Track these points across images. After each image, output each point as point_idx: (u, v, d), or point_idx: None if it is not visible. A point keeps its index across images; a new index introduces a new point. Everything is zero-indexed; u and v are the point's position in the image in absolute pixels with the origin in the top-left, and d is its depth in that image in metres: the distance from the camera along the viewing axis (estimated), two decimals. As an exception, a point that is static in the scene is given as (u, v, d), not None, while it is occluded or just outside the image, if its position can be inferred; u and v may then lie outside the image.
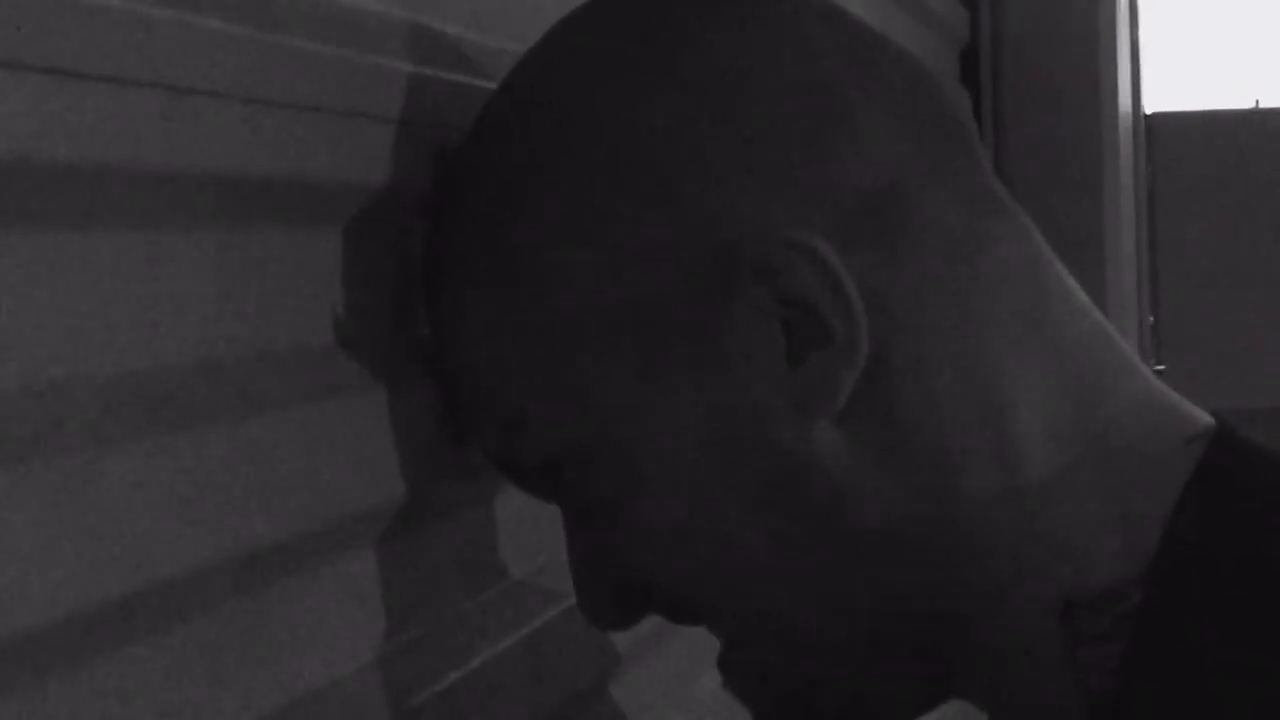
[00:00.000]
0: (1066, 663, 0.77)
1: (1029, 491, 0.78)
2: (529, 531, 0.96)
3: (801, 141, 0.78)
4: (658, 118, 0.78)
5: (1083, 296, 0.83)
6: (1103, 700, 0.77)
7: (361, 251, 0.79)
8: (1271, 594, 0.76)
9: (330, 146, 0.74)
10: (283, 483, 0.71)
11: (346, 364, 0.78)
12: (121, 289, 0.63)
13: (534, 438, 0.81)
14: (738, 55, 0.79)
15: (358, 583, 0.80)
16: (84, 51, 0.58)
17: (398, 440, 0.81)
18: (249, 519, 0.69)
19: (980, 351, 0.79)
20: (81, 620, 0.59)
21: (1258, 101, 2.90)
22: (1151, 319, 2.75)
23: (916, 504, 0.78)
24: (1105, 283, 2.22)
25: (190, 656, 0.66)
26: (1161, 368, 2.69)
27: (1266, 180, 2.73)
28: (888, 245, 0.78)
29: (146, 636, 0.63)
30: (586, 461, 0.80)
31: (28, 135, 0.55)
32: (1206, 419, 0.81)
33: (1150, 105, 2.80)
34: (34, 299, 0.58)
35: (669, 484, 0.79)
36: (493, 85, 0.86)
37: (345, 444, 0.76)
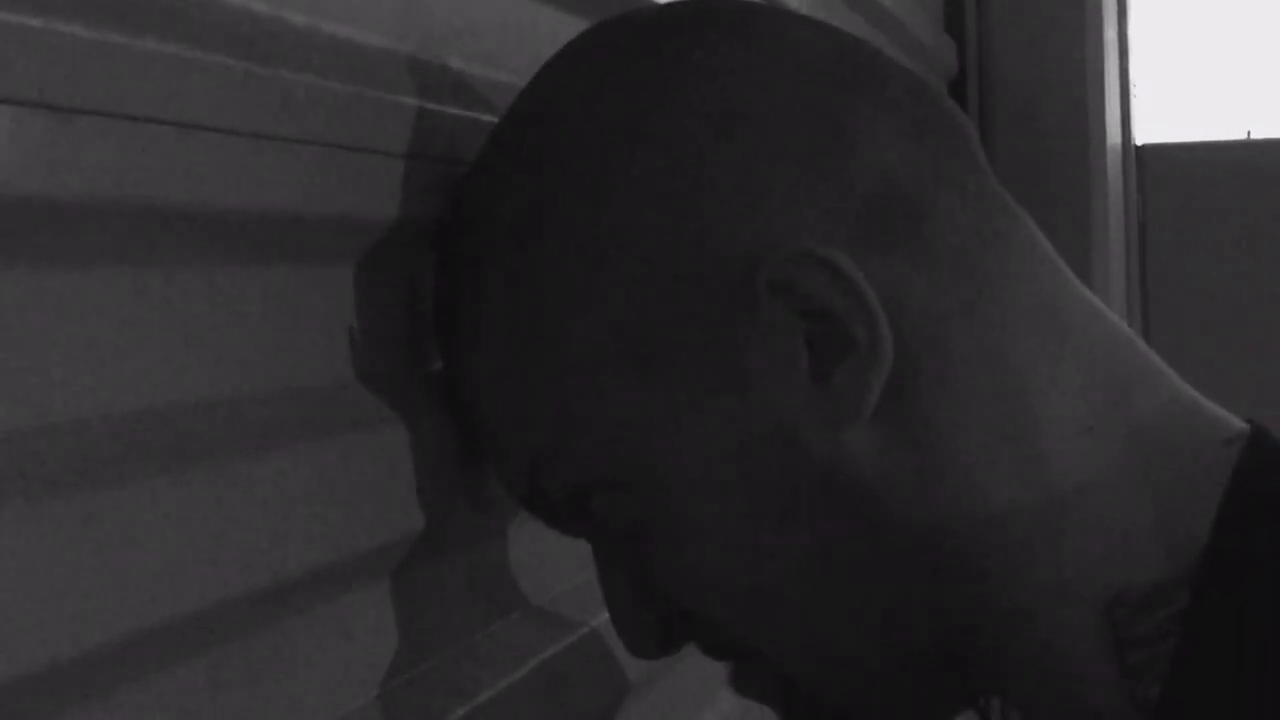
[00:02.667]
0: (1114, 665, 0.77)
1: (1065, 489, 0.77)
2: (542, 561, 0.96)
3: (807, 154, 0.78)
4: (664, 142, 0.78)
5: (1097, 301, 0.83)
6: (1152, 702, 0.76)
7: (372, 286, 0.80)
8: None
9: (339, 181, 0.75)
10: (299, 517, 0.71)
11: (360, 399, 0.78)
12: (135, 326, 0.63)
13: (562, 470, 0.81)
14: (738, 74, 0.79)
15: (373, 615, 0.80)
16: (91, 89, 0.58)
17: (411, 474, 0.81)
18: (266, 553, 0.69)
19: (1005, 347, 0.78)
20: (101, 654, 0.59)
21: (1249, 132, 2.90)
22: (1128, 328, 2.72)
23: (949, 508, 0.77)
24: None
25: (208, 690, 0.66)
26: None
27: (1259, 211, 2.73)
28: (902, 249, 0.78)
29: (165, 670, 0.64)
30: (616, 491, 0.80)
31: (39, 173, 0.56)
32: (1239, 421, 0.81)
33: (1141, 136, 2.80)
34: (51, 337, 0.59)
35: (702, 507, 0.79)
36: (497, 118, 0.86)
37: (359, 478, 0.77)
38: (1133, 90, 2.79)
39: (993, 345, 0.78)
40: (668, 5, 0.85)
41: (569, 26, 0.94)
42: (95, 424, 0.61)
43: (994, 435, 0.77)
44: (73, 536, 0.57)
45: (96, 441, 0.60)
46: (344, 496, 0.75)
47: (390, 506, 0.79)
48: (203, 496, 0.65)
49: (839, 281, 0.76)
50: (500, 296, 0.81)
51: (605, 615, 1.00)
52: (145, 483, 0.62)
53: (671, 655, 0.86)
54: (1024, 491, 0.77)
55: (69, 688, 0.58)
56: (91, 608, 0.58)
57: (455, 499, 0.86)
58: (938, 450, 0.77)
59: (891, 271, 0.77)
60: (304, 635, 0.73)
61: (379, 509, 0.78)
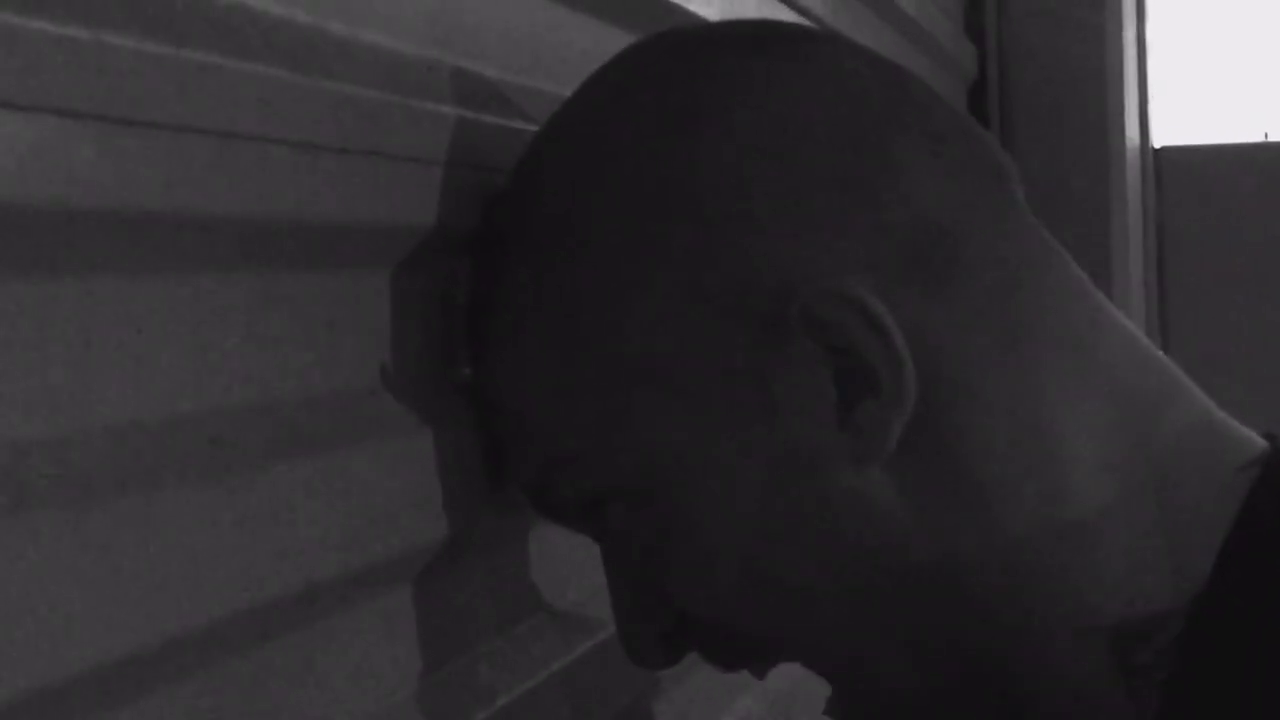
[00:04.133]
0: (1122, 692, 0.77)
1: (1081, 526, 0.78)
2: (563, 564, 0.97)
3: (847, 186, 0.78)
4: (705, 166, 0.78)
5: (1128, 325, 0.83)
6: None
7: (403, 293, 0.80)
8: None
9: (372, 189, 0.75)
10: (323, 523, 0.71)
11: (388, 405, 0.78)
12: (168, 333, 0.64)
13: (581, 477, 0.81)
14: (782, 102, 0.80)
15: (394, 619, 0.80)
16: (132, 98, 0.58)
17: (436, 480, 0.81)
18: (289, 559, 0.69)
19: (1030, 387, 0.79)
20: (130, 660, 0.59)
21: (1267, 134, 2.89)
22: (1161, 353, 2.72)
23: (968, 543, 0.78)
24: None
25: (235, 694, 0.67)
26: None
27: (1277, 213, 2.72)
28: (935, 286, 0.78)
29: (193, 675, 0.64)
30: (635, 504, 0.80)
31: (75, 182, 0.56)
32: (1260, 444, 0.81)
33: (1159, 139, 2.80)
34: (83, 345, 0.59)
35: (719, 528, 0.79)
36: (533, 127, 0.86)
37: (385, 484, 0.77)
38: (1151, 93, 2.79)
39: (1021, 388, 0.78)
40: (718, 24, 0.85)
41: (608, 36, 0.94)
42: (125, 430, 0.61)
43: (1016, 475, 0.78)
44: (102, 544, 0.58)
45: (126, 448, 0.60)
46: (369, 502, 0.75)
47: (413, 512, 0.80)
48: (231, 503, 0.65)
49: (868, 322, 0.76)
50: (537, 310, 0.81)
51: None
52: (173, 489, 0.62)
53: (672, 666, 0.86)
54: (1042, 529, 0.78)
55: (99, 694, 0.58)
56: (121, 614, 0.58)
57: (478, 504, 0.86)
58: (959, 489, 0.78)
59: (923, 311, 0.77)
60: (325, 641, 0.74)
61: (402, 514, 0.79)
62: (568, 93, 0.85)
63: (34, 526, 0.54)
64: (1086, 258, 0.85)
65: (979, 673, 0.80)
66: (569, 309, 0.80)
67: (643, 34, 0.88)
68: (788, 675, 0.88)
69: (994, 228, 0.80)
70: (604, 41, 0.86)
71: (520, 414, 0.83)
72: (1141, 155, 2.74)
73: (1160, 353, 0.84)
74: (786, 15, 1.43)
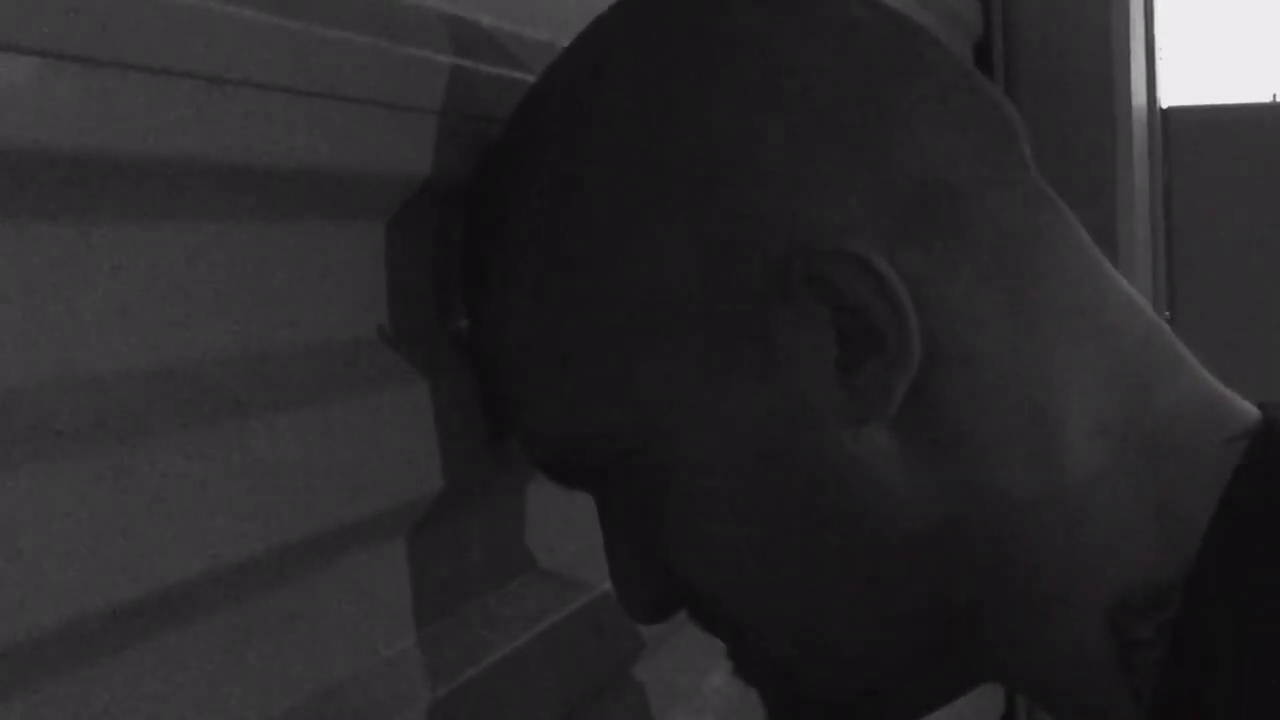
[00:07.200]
0: (1116, 665, 0.77)
1: (1075, 494, 0.77)
2: (557, 522, 0.96)
3: (855, 141, 0.77)
4: (709, 117, 0.78)
5: (1134, 293, 0.83)
6: (1150, 705, 0.76)
7: (398, 243, 0.79)
8: None
9: (368, 138, 0.74)
10: (319, 475, 0.71)
11: (383, 356, 0.78)
12: (160, 281, 0.63)
13: (576, 430, 0.80)
14: (791, 53, 0.79)
15: (387, 573, 0.80)
16: (122, 41, 0.57)
17: (432, 433, 0.80)
18: (285, 511, 0.68)
19: (1032, 352, 0.78)
20: (124, 611, 0.59)
21: (1275, 95, 2.89)
22: (1167, 315, 2.74)
23: (962, 506, 0.77)
24: (1119, 278, 2.19)
25: (224, 646, 0.66)
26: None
27: (1285, 175, 2.72)
28: (940, 245, 0.77)
29: (188, 625, 0.64)
30: (630, 459, 0.80)
31: (65, 126, 0.55)
32: (1254, 415, 0.80)
33: (1167, 99, 2.79)
34: (74, 292, 0.58)
35: (714, 482, 0.79)
36: (531, 77, 0.85)
37: (380, 436, 0.76)
38: (1159, 53, 2.78)
39: (1023, 349, 0.78)
40: None
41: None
42: (122, 379, 0.60)
43: (1014, 437, 0.77)
44: (100, 492, 0.57)
45: (122, 397, 0.60)
46: (363, 455, 0.75)
47: (409, 465, 0.79)
48: (224, 455, 0.65)
49: (873, 280, 0.75)
50: (537, 259, 0.80)
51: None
52: (169, 438, 0.61)
53: (664, 620, 0.85)
54: (1037, 493, 0.77)
55: (98, 641, 0.58)
56: (119, 563, 0.58)
57: (473, 459, 0.85)
58: (956, 451, 0.77)
59: (927, 271, 0.77)
60: (319, 593, 0.73)
61: (397, 467, 0.78)
62: (564, 42, 0.85)
63: (23, 475, 0.54)
64: (1092, 218, 0.84)
65: (955, 633, 0.80)
66: (566, 257, 0.79)
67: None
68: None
69: (1001, 188, 0.79)
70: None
71: (515, 365, 0.82)
72: (1149, 116, 2.74)
73: (1161, 321, 0.83)
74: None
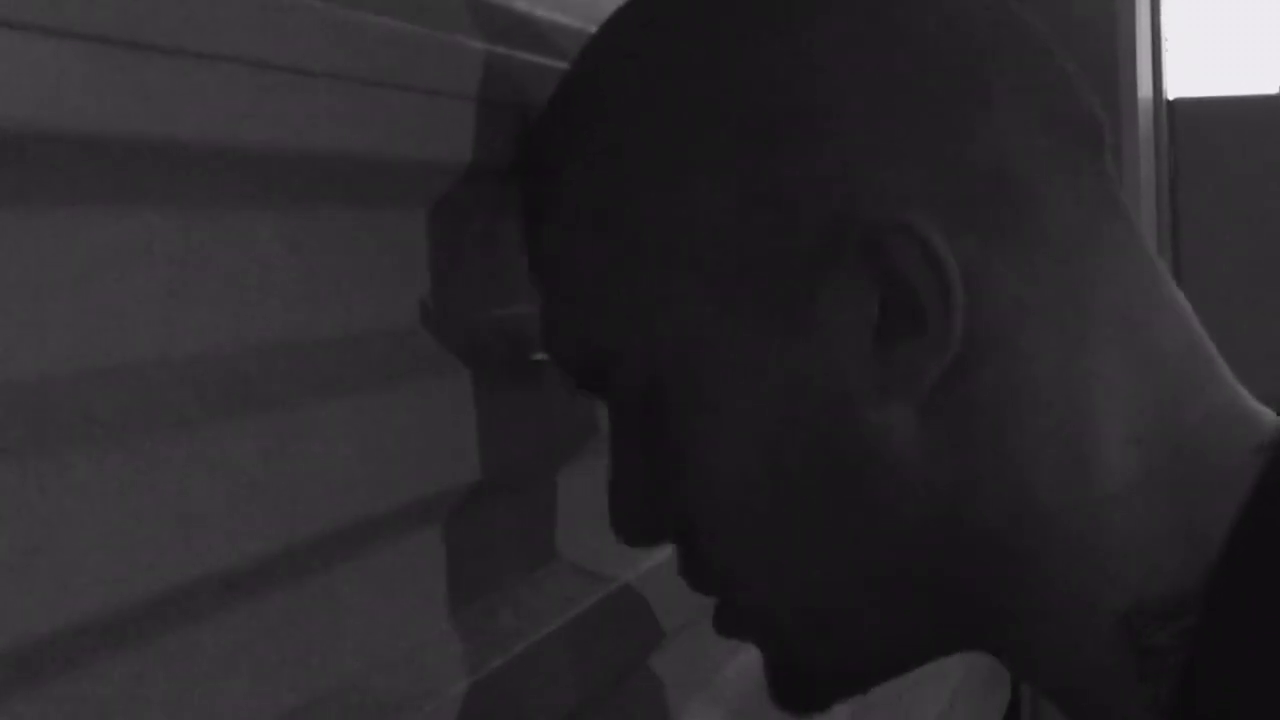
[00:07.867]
0: (1132, 671, 0.76)
1: (1102, 501, 0.77)
2: (586, 510, 0.96)
3: (934, 114, 0.77)
4: (789, 64, 0.77)
5: (1182, 302, 0.82)
6: (1167, 712, 0.76)
7: (438, 230, 0.79)
8: None
9: (408, 124, 0.74)
10: (357, 463, 0.71)
11: (419, 346, 0.78)
12: (205, 268, 0.63)
13: (609, 354, 0.80)
14: (884, 12, 0.78)
15: (417, 562, 0.79)
16: (168, 26, 0.57)
17: (469, 422, 0.80)
18: (321, 499, 0.68)
19: (1074, 353, 0.77)
20: (158, 599, 0.58)
21: (1282, 87, 2.89)
22: (1205, 336, 2.71)
23: (981, 502, 0.77)
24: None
25: (258, 635, 0.66)
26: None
27: (1291, 166, 2.72)
28: (999, 237, 0.77)
29: (215, 616, 0.63)
30: (658, 392, 0.80)
31: (108, 111, 0.55)
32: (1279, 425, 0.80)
33: (1173, 90, 2.79)
34: (118, 278, 0.58)
35: (735, 433, 0.78)
36: (563, 64, 0.85)
37: (419, 424, 0.76)
38: (1165, 43, 2.78)
39: (1064, 350, 0.77)
40: None
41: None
42: (160, 367, 0.60)
43: (1046, 440, 0.77)
44: (136, 480, 0.57)
45: (160, 385, 0.60)
46: (400, 444, 0.74)
47: (442, 455, 0.79)
48: (262, 443, 0.64)
49: (929, 260, 0.75)
50: (589, 186, 0.80)
51: (643, 568, 1.01)
52: (207, 427, 0.61)
53: (650, 547, 0.86)
54: (1063, 498, 0.77)
55: (130, 630, 0.58)
56: (147, 555, 0.58)
57: (505, 450, 0.85)
58: (986, 447, 0.77)
59: (984, 257, 0.76)
60: (351, 580, 0.73)
61: (431, 457, 0.78)
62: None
63: (61, 464, 0.53)
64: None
65: (952, 615, 0.80)
66: (625, 192, 0.79)
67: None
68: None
69: (1069, 186, 0.79)
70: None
71: (565, 289, 0.82)
72: (1155, 106, 2.73)
73: (1204, 334, 0.82)
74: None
